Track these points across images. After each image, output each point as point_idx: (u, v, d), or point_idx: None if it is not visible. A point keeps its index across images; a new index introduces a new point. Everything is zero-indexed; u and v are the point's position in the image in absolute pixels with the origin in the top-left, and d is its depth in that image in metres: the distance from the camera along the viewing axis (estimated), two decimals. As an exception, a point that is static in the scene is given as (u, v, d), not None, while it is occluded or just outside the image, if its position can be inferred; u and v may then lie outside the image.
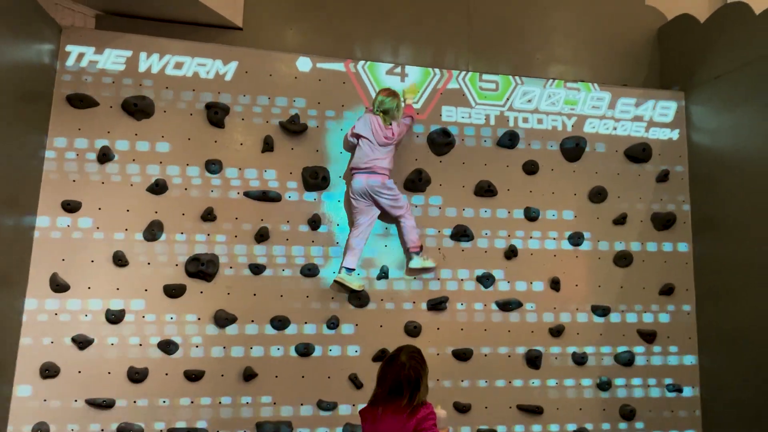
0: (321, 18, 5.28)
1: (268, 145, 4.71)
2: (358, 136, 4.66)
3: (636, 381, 4.93)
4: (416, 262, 4.69)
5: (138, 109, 4.55)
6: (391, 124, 4.65)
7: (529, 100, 5.13)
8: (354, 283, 4.61)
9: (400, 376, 2.99)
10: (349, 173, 4.71)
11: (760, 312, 4.43)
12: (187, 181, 4.59)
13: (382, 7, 5.37)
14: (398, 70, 4.99)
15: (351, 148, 4.77)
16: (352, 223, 4.68)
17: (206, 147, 4.65)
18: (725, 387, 4.73)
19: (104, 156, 4.46)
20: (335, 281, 4.60)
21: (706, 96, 5.16)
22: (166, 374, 4.36)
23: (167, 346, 4.37)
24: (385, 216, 4.72)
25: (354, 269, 4.60)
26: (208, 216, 4.55)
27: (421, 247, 4.71)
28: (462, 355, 4.73)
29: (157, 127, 4.60)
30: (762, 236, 4.47)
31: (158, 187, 4.52)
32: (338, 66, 4.88)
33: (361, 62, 4.93)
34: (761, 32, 4.62)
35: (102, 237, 4.40)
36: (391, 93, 4.75)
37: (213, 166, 4.62)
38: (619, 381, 4.90)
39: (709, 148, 5.10)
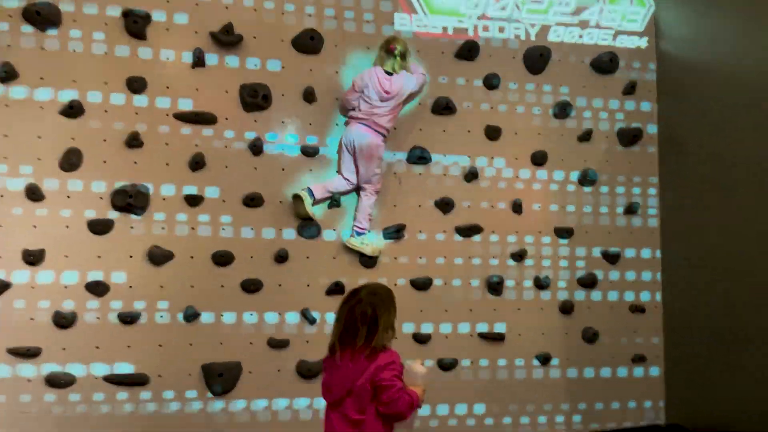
0: None
1: (198, 60, 4.15)
2: (359, 93, 4.19)
3: (598, 301, 4.78)
4: (355, 241, 4.30)
5: (42, 17, 3.91)
6: (393, 74, 4.19)
7: (489, 6, 4.66)
8: (365, 246, 4.30)
9: (355, 312, 2.67)
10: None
11: (726, 230, 4.27)
12: (106, 103, 4.03)
13: None
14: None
15: (347, 110, 4.29)
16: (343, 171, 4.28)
17: (126, 62, 4.07)
18: (688, 304, 4.63)
19: (6, 75, 3.85)
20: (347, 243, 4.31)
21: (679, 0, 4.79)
22: (98, 318, 3.96)
23: (96, 287, 3.95)
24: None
25: (364, 230, 4.28)
26: (134, 142, 4.04)
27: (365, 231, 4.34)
28: (421, 285, 4.47)
29: (67, 38, 3.97)
30: (732, 154, 4.24)
31: (73, 110, 3.95)
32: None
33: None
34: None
35: (8, 169, 3.86)
36: (400, 40, 4.32)
37: (136, 84, 4.05)
38: (581, 301, 4.74)
39: (679, 58, 4.77)
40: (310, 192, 4.18)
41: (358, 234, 4.30)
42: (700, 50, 4.59)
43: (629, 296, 4.81)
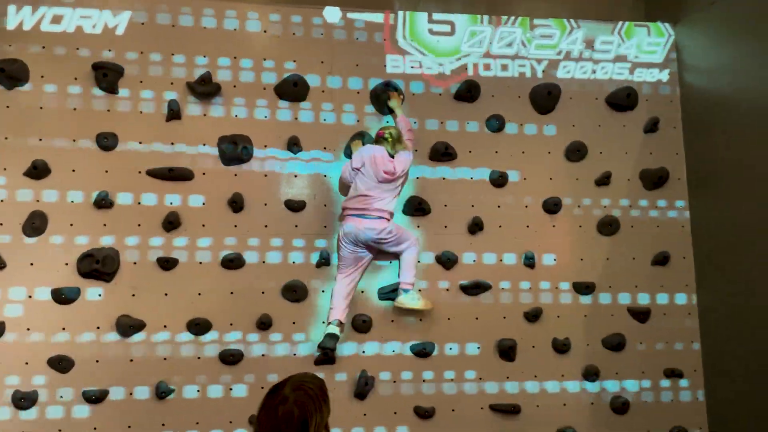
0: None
1: (173, 112, 3.87)
2: (356, 170, 3.80)
3: (628, 370, 4.19)
4: (407, 300, 3.85)
5: (7, 75, 3.70)
6: (393, 157, 3.81)
7: (491, 43, 4.30)
8: (418, 303, 3.86)
9: (278, 414, 2.05)
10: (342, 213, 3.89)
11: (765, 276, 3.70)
12: (75, 160, 3.76)
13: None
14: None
15: (347, 188, 3.89)
16: (338, 266, 3.87)
17: (97, 117, 3.81)
18: (733, 365, 4.02)
19: (-32, 135, 3.64)
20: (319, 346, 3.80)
21: (700, 28, 4.33)
22: (61, 397, 3.60)
23: (58, 363, 3.60)
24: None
25: (334, 323, 3.76)
26: (103, 202, 3.74)
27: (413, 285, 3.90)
28: (422, 351, 3.98)
29: (34, 95, 3.75)
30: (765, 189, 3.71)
31: (37, 170, 3.69)
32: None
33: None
34: (766, -59, 3.78)
35: (-32, 235, 3.61)
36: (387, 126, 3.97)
37: (106, 140, 3.78)
38: (608, 370, 4.17)
39: (705, 90, 4.29)
40: (340, 323, 3.77)
41: (406, 292, 3.86)
42: (729, 80, 4.10)
43: (662, 359, 4.22)
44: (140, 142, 3.84)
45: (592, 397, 4.12)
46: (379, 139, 3.87)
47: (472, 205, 4.17)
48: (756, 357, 3.79)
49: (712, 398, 4.18)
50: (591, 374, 4.11)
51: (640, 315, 4.23)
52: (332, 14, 4.14)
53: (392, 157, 3.80)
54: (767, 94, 3.77)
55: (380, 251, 3.87)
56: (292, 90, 4.01)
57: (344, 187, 3.89)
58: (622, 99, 4.37)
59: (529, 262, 4.16)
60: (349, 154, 3.99)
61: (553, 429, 4.04)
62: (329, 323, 3.76)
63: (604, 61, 4.42)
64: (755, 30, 3.87)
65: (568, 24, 4.39)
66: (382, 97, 4.08)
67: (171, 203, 3.83)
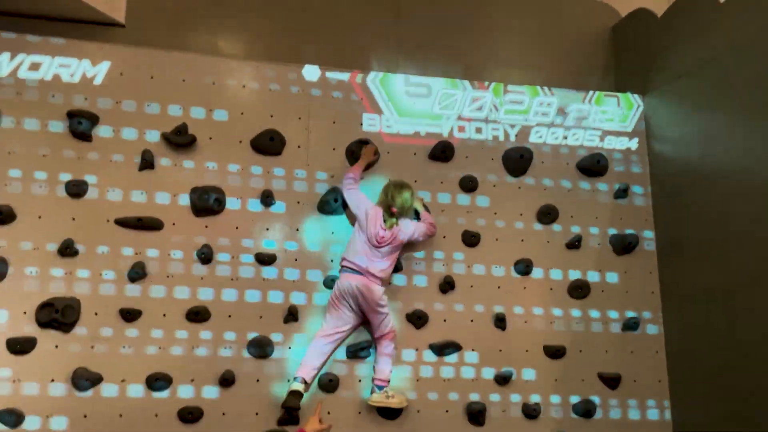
0: (228, 15, 4.45)
1: (146, 162, 3.86)
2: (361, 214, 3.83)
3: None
4: (378, 397, 3.76)
5: (-21, 119, 3.68)
6: (396, 226, 3.82)
7: (464, 106, 4.39)
8: (392, 400, 3.75)
9: None
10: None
11: (735, 343, 3.70)
12: (40, 206, 3.70)
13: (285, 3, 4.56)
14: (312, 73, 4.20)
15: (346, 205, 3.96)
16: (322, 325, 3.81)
17: (66, 163, 3.78)
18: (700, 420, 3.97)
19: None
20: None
21: (668, 99, 4.48)
22: (10, 455, 3.42)
23: (7, 417, 3.43)
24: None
25: (298, 380, 3.64)
26: (67, 250, 3.66)
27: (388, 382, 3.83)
28: (388, 413, 3.88)
29: (3, 140, 3.73)
30: (737, 260, 3.76)
31: (2, 215, 3.62)
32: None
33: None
34: (727, 20, 3.96)
35: (-77, 279, 3.49)
36: (409, 188, 3.97)
37: (76, 188, 3.74)
38: (578, 436, 4.09)
39: (673, 159, 4.40)
40: (304, 381, 3.67)
41: (380, 389, 3.76)
42: (696, 150, 4.21)
43: (633, 428, 4.15)
44: (111, 190, 3.81)
45: (561, 466, 4.03)
46: (388, 213, 3.83)
47: (444, 264, 4.16)
48: (724, 419, 3.75)
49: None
50: (561, 441, 4.03)
51: (611, 381, 4.19)
52: (311, 73, 4.22)
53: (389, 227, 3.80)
54: (733, 163, 3.87)
55: (365, 321, 3.81)
56: (268, 144, 4.03)
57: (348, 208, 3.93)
58: (593, 165, 4.46)
59: (500, 324, 4.13)
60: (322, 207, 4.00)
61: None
62: (294, 379, 3.66)
63: (575, 128, 4.53)
64: (720, 102, 4.00)
65: (541, 90, 4.51)
66: (357, 153, 4.12)
67: (138, 253, 3.76)
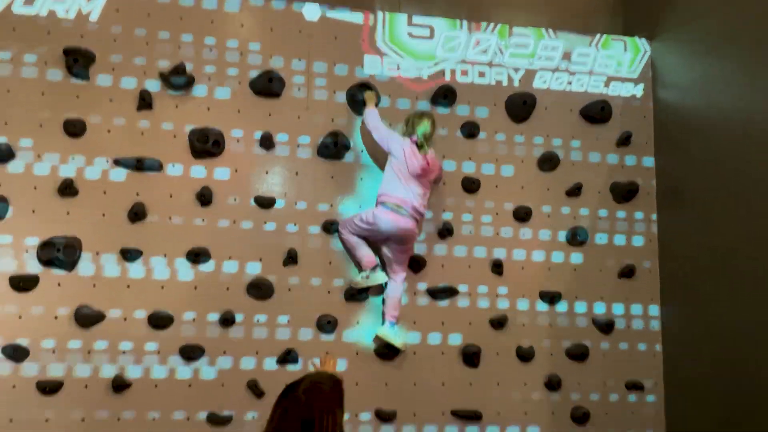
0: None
1: (144, 102, 3.82)
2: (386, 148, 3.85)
3: (591, 380, 4.21)
4: (389, 333, 3.85)
5: (-25, 55, 3.62)
6: (427, 154, 3.82)
7: (467, 49, 4.30)
8: (398, 340, 3.88)
9: (292, 417, 2.05)
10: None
11: (732, 304, 3.74)
12: (38, 146, 3.69)
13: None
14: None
15: (371, 146, 4.01)
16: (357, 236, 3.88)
17: (64, 103, 3.74)
18: (693, 382, 4.05)
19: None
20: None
21: (676, 44, 4.38)
22: (14, 386, 3.52)
23: (13, 353, 3.52)
24: None
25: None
26: (67, 190, 3.67)
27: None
28: (385, 353, 3.96)
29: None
30: (739, 211, 3.75)
31: (1, 153, 3.61)
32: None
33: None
34: (742, -37, 3.84)
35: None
36: (430, 116, 3.98)
37: (74, 128, 3.72)
38: (571, 380, 4.18)
39: (678, 106, 4.34)
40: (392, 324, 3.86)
41: (392, 324, 3.85)
42: (702, 97, 4.15)
43: (625, 371, 4.25)
44: (108, 131, 3.78)
45: (553, 406, 4.14)
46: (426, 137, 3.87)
47: (443, 210, 4.17)
48: (716, 369, 3.84)
49: (672, 408, 4.22)
50: (554, 383, 4.13)
51: (604, 326, 4.26)
52: (312, 13, 4.12)
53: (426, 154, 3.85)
54: (739, 112, 3.82)
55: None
56: (267, 85, 3.97)
57: (369, 138, 3.94)
58: (596, 112, 4.40)
59: (497, 270, 4.17)
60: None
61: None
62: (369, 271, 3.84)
63: (580, 73, 4.45)
64: (730, 48, 3.91)
65: (546, 33, 4.41)
66: (358, 97, 4.06)
67: (137, 194, 3.77)
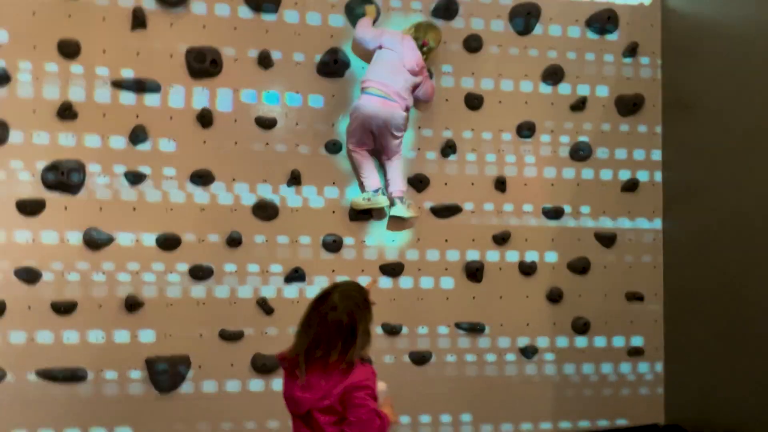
0: None
1: (138, 20, 3.72)
2: (379, 44, 3.79)
3: (591, 292, 4.30)
4: (399, 210, 3.89)
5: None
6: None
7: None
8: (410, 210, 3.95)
9: (328, 321, 2.30)
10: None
11: (734, 217, 3.76)
12: (36, 68, 3.62)
13: None
14: None
15: (363, 55, 3.90)
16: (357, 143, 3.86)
17: (57, 23, 3.65)
18: (691, 291, 4.14)
19: None
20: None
21: (687, -52, 4.21)
22: (29, 308, 3.61)
23: (25, 275, 3.59)
24: None
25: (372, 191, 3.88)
26: (67, 113, 3.64)
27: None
28: (391, 270, 4.04)
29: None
30: (745, 122, 3.71)
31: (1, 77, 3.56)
32: None
33: None
34: None
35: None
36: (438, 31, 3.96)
37: (68, 48, 3.64)
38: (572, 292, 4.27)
39: (687, 16, 4.22)
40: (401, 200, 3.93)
41: (400, 200, 3.91)
42: (711, 7, 4.03)
43: (626, 283, 4.33)
44: (103, 51, 3.70)
45: (554, 317, 4.25)
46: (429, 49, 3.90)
47: (446, 127, 4.14)
48: (716, 281, 3.91)
49: (671, 317, 4.33)
50: (555, 296, 4.22)
51: (606, 240, 4.31)
52: None
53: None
54: (748, 23, 3.71)
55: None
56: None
57: (360, 48, 3.90)
58: (603, 21, 4.28)
59: (501, 186, 4.18)
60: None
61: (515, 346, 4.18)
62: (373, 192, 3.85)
63: (587, -20, 4.30)
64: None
65: (552, -60, 4.23)
66: (356, 11, 3.95)
67: (138, 116, 3.74)
